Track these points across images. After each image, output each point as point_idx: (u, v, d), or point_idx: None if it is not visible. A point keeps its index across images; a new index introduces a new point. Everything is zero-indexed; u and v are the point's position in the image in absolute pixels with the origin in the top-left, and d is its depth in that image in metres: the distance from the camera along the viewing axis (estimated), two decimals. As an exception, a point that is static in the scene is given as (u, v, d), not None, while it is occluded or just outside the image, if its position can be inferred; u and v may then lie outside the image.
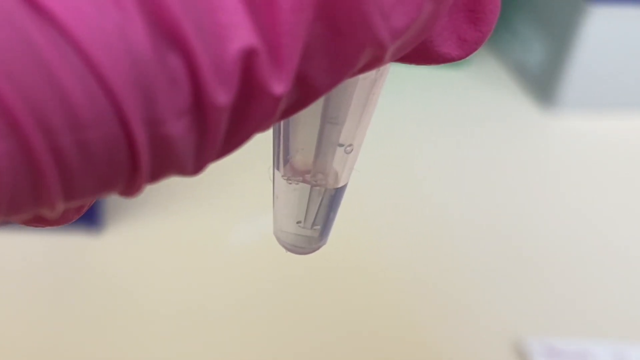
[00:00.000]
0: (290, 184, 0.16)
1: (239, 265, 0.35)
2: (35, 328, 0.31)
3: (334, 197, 0.16)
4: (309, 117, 0.15)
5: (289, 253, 0.17)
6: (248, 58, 0.09)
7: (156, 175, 0.10)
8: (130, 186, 0.10)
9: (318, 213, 0.16)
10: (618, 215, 0.42)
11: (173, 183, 0.39)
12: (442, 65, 0.57)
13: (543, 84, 0.51)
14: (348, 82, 0.13)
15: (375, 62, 0.11)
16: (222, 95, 0.10)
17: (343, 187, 0.16)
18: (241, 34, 0.09)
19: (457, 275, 0.37)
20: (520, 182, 0.44)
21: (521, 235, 0.40)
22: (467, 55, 0.13)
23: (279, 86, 0.10)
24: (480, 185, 0.43)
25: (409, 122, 0.48)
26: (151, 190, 0.42)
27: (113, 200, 0.37)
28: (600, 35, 0.47)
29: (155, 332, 0.32)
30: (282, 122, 0.15)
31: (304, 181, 0.16)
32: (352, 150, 0.15)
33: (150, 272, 0.35)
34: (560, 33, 0.49)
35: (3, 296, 0.33)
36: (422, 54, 0.13)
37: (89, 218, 0.35)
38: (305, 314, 0.34)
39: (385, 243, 0.38)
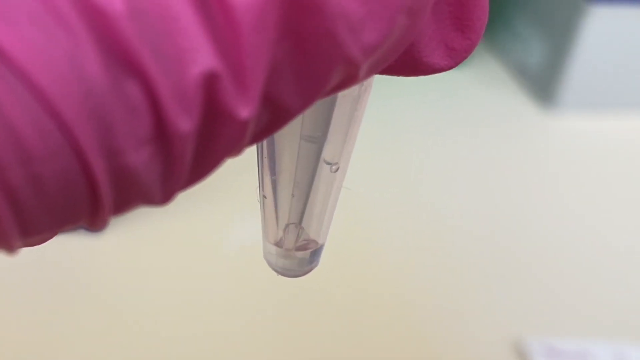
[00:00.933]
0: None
1: (240, 267, 0.35)
2: (35, 328, 0.31)
3: (324, 215, 0.16)
4: (288, 137, 0.14)
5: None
6: (210, 82, 0.09)
7: (121, 207, 0.10)
8: (94, 219, 0.10)
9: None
10: (618, 215, 0.42)
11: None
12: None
13: (543, 84, 0.51)
14: (325, 100, 0.13)
15: (348, 80, 0.11)
16: (185, 122, 0.09)
17: (332, 206, 0.16)
18: (202, 58, 0.09)
19: (457, 275, 0.37)
20: (520, 182, 0.44)
21: (521, 235, 0.40)
22: (456, 64, 0.13)
23: (245, 110, 0.09)
24: (479, 185, 0.43)
25: (408, 122, 0.48)
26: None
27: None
28: (600, 35, 0.47)
29: (155, 332, 0.32)
30: (264, 142, 0.15)
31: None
32: (337, 169, 0.15)
33: (151, 272, 0.35)
34: (560, 33, 0.49)
35: (2, 296, 0.33)
36: (409, 65, 0.12)
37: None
38: (305, 313, 0.34)
39: (384, 243, 0.38)
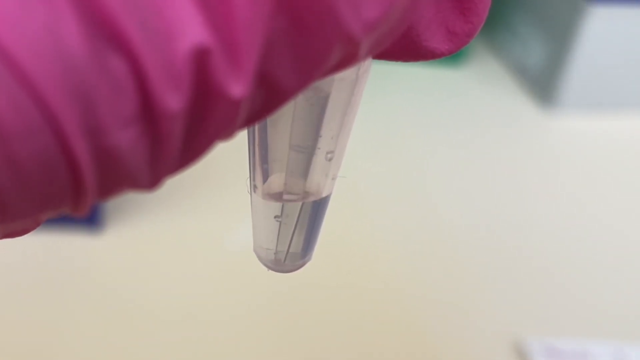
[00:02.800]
0: (266, 202, 0.15)
1: (240, 267, 0.35)
2: (35, 328, 0.31)
3: (317, 210, 0.15)
4: (282, 123, 0.13)
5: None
6: (201, 57, 0.08)
7: (106, 191, 0.09)
8: (77, 204, 0.09)
9: (297, 227, 0.15)
10: (618, 215, 0.42)
11: (174, 183, 0.39)
12: (440, 64, 0.56)
13: (543, 84, 0.51)
14: (322, 82, 0.12)
15: (348, 59, 0.10)
16: (173, 100, 0.09)
17: (326, 199, 0.15)
18: (191, 31, 0.08)
19: (457, 275, 0.37)
20: (520, 181, 0.44)
21: (521, 235, 0.40)
22: (457, 49, 0.12)
23: (237, 88, 0.09)
24: (479, 185, 0.43)
25: (408, 122, 0.48)
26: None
27: (113, 201, 0.37)
28: (600, 35, 0.47)
29: (154, 332, 0.32)
30: (256, 128, 0.14)
31: (280, 200, 0.14)
32: (332, 157, 0.14)
33: (151, 272, 0.35)
34: (560, 33, 0.49)
35: (2, 296, 0.33)
36: (408, 49, 0.12)
37: (89, 218, 0.35)
38: (305, 312, 0.34)
39: (383, 243, 0.38)
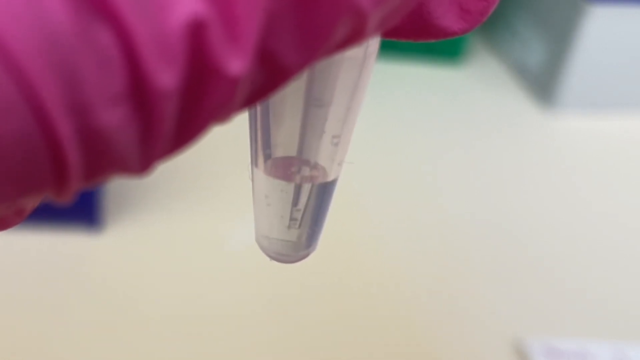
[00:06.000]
0: (271, 182, 0.14)
1: (241, 266, 0.35)
2: (34, 327, 0.31)
3: (323, 195, 0.14)
4: (290, 104, 0.13)
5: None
6: (196, 31, 0.08)
7: (92, 175, 0.09)
8: (60, 189, 0.08)
9: (304, 215, 0.14)
10: (618, 215, 0.42)
11: (175, 182, 0.39)
12: (439, 63, 0.56)
13: (543, 84, 0.51)
14: (332, 60, 0.12)
15: (355, 35, 0.09)
16: (166, 77, 0.08)
17: (332, 184, 0.14)
18: (187, 2, 0.08)
19: (457, 275, 0.37)
20: (520, 182, 0.44)
21: (521, 235, 0.40)
22: (471, 28, 0.11)
23: (236, 64, 0.08)
24: (479, 185, 0.43)
25: (408, 122, 0.48)
26: (152, 190, 0.42)
27: (113, 200, 0.37)
28: (600, 35, 0.47)
29: (154, 332, 0.32)
30: (258, 111, 0.13)
31: (287, 178, 0.14)
32: (339, 142, 0.13)
33: (151, 272, 0.35)
34: (560, 33, 0.49)
35: (2, 296, 0.33)
36: (419, 27, 0.11)
37: (89, 218, 0.35)
38: (306, 312, 0.33)
39: (382, 243, 0.38)
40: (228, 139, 0.34)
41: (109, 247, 0.35)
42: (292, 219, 0.14)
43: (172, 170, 0.38)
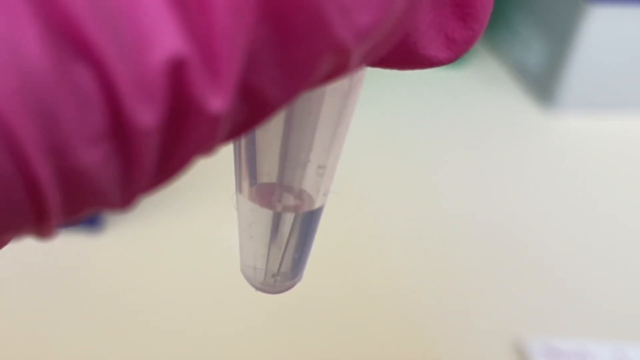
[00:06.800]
0: (256, 210, 0.14)
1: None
2: (34, 328, 0.31)
3: (308, 225, 0.14)
4: (274, 134, 0.12)
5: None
6: (177, 69, 0.08)
7: (72, 213, 0.08)
8: (40, 228, 0.08)
9: (288, 244, 0.14)
10: (618, 215, 0.42)
11: (175, 183, 0.38)
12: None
13: (543, 84, 0.51)
14: (312, 94, 0.12)
15: (338, 69, 0.09)
16: (146, 116, 0.08)
17: (317, 212, 0.14)
18: (167, 40, 0.08)
19: (457, 275, 0.37)
20: (520, 182, 0.44)
21: (521, 235, 0.40)
22: (456, 57, 0.11)
23: (217, 102, 0.08)
24: (479, 186, 0.43)
25: (407, 122, 0.48)
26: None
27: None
28: (600, 35, 0.47)
29: (154, 332, 0.32)
30: (242, 141, 0.13)
31: (271, 206, 0.13)
32: (324, 172, 0.13)
33: (151, 272, 0.35)
34: (560, 33, 0.49)
35: (2, 296, 0.33)
36: (405, 57, 0.11)
37: (89, 218, 0.35)
38: (305, 312, 0.34)
39: (382, 243, 0.38)
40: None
41: (109, 247, 0.35)
42: (275, 248, 0.14)
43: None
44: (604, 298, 0.36)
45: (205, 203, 0.39)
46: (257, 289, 0.15)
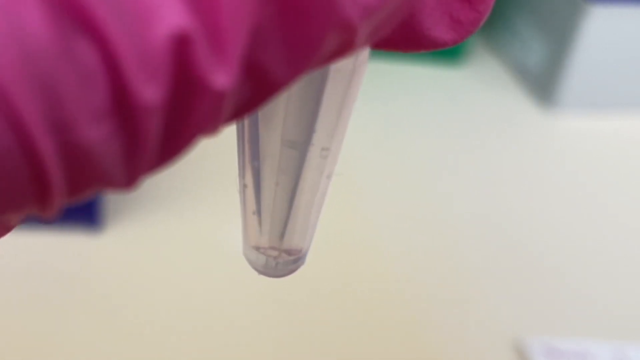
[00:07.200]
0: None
1: (241, 267, 0.35)
2: (34, 328, 0.31)
3: (312, 207, 0.14)
4: (275, 116, 0.12)
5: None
6: (181, 44, 0.08)
7: (76, 191, 0.08)
8: (43, 205, 0.08)
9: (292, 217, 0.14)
10: (618, 215, 0.42)
11: (175, 182, 0.39)
12: (439, 63, 0.56)
13: (543, 84, 0.51)
14: (320, 72, 0.12)
15: (344, 47, 0.09)
16: (150, 92, 0.08)
17: (321, 197, 0.14)
18: (171, 15, 0.07)
19: (457, 275, 0.37)
20: (520, 182, 0.44)
21: (521, 235, 0.40)
22: (462, 39, 0.11)
23: (222, 78, 0.08)
24: (479, 186, 0.43)
25: (406, 122, 0.48)
26: (153, 190, 0.42)
27: (113, 200, 0.37)
28: (600, 35, 0.47)
29: (154, 333, 0.32)
30: (245, 123, 0.13)
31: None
32: (328, 154, 0.13)
33: (151, 272, 0.35)
34: (560, 33, 0.49)
35: (2, 296, 0.33)
36: (409, 38, 0.11)
37: (89, 218, 0.35)
38: (305, 311, 0.34)
39: (383, 243, 0.38)
40: (229, 139, 0.34)
41: (109, 247, 0.35)
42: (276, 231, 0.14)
43: (173, 170, 0.38)
44: (604, 298, 0.36)
45: (206, 203, 0.39)
46: (260, 272, 0.15)
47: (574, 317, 0.35)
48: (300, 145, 0.13)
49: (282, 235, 0.14)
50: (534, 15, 0.52)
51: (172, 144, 0.09)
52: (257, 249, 0.14)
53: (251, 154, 0.13)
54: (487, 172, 0.44)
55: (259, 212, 0.14)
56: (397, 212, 0.40)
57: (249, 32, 0.08)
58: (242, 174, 0.14)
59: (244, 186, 0.14)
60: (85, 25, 0.07)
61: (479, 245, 0.39)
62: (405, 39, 0.11)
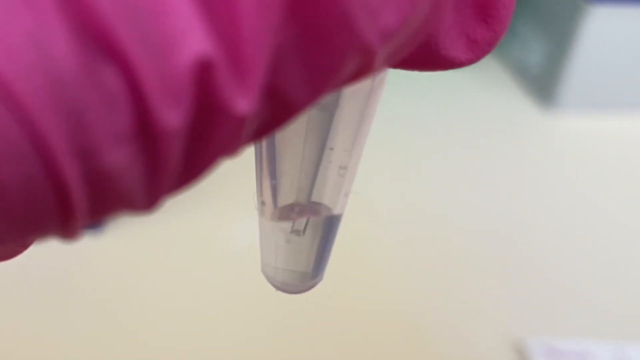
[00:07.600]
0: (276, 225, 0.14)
1: (241, 267, 0.35)
2: (35, 328, 0.31)
3: (330, 227, 0.14)
4: (293, 135, 0.12)
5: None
6: (203, 70, 0.08)
7: (98, 214, 0.08)
8: (66, 229, 0.08)
9: (310, 245, 0.14)
10: (618, 215, 0.42)
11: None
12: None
13: (543, 84, 0.51)
14: (334, 94, 0.12)
15: (363, 70, 0.09)
16: (173, 117, 0.08)
17: (338, 216, 0.14)
18: (194, 42, 0.08)
19: (457, 276, 0.37)
20: (520, 182, 0.44)
21: (521, 236, 0.40)
22: (478, 58, 0.11)
23: (243, 103, 0.08)
24: (479, 186, 0.43)
25: (406, 122, 0.48)
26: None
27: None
28: (600, 35, 0.47)
29: (154, 333, 0.32)
30: (263, 143, 0.13)
31: (293, 219, 0.13)
32: (345, 173, 0.13)
33: (151, 273, 0.35)
34: (560, 33, 0.49)
35: (2, 296, 0.33)
36: (426, 58, 0.11)
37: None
38: (306, 314, 0.34)
39: (383, 243, 0.38)
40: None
41: (110, 248, 0.35)
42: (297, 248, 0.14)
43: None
44: (604, 298, 0.36)
45: (206, 203, 0.39)
46: (278, 288, 0.15)
47: (574, 317, 0.35)
48: (318, 164, 0.13)
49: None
50: (534, 15, 0.52)
51: (192, 167, 0.09)
52: (275, 268, 0.14)
53: (269, 172, 0.13)
54: (487, 172, 0.44)
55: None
56: (396, 212, 0.40)
57: (269, 57, 0.08)
58: (259, 192, 0.14)
59: (262, 203, 0.14)
60: (109, 51, 0.07)
61: (479, 245, 0.39)
62: (422, 59, 0.11)
